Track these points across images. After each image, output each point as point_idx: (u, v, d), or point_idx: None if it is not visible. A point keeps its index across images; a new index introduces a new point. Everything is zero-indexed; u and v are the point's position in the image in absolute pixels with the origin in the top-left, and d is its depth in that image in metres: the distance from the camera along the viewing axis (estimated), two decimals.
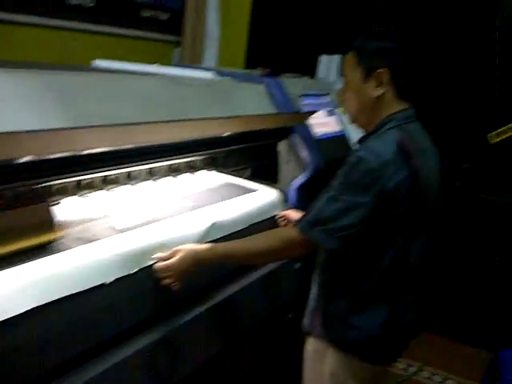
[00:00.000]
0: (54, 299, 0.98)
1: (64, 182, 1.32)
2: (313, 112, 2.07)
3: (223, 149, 1.83)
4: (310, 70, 2.86)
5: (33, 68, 1.40)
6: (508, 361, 2.15)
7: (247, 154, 2.06)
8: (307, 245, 1.20)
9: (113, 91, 1.40)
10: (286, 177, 2.15)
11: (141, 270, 1.17)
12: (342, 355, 1.29)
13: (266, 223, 1.62)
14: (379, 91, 1.24)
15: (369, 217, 1.15)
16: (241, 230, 1.50)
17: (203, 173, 1.84)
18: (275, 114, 2.03)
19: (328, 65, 2.86)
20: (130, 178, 1.54)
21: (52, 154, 1.07)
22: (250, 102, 1.98)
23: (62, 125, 1.11)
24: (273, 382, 1.83)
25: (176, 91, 1.64)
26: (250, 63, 3.26)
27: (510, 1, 2.66)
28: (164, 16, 3.13)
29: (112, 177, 1.47)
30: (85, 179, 1.38)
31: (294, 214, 1.62)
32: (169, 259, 1.21)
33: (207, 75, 1.98)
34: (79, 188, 1.38)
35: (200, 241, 1.34)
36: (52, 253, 1.08)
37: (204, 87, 1.80)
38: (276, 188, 1.82)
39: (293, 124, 2.03)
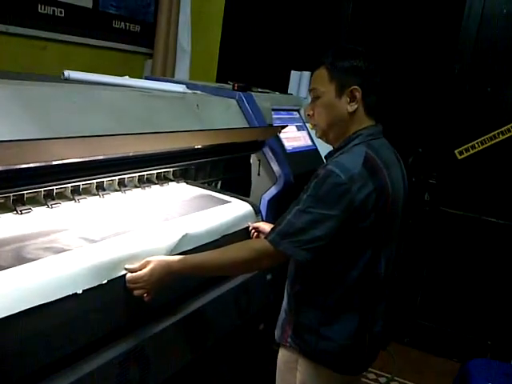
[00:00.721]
0: (23, 309, 0.96)
1: (33, 192, 1.30)
2: (284, 126, 2.11)
3: (194, 161, 1.83)
4: (281, 86, 2.91)
5: (2, 78, 1.38)
6: (476, 370, 2.16)
7: (219, 166, 2.08)
8: (278, 256, 1.21)
9: (83, 103, 1.39)
10: (257, 189, 2.18)
11: (112, 280, 1.16)
12: (313, 366, 1.30)
13: (237, 235, 1.62)
14: (353, 107, 1.28)
15: (337, 229, 1.18)
16: (212, 241, 1.50)
17: (173, 185, 1.83)
18: (246, 127, 2.05)
19: (298, 81, 2.91)
20: (99, 189, 1.53)
21: (20, 164, 1.06)
22: (222, 116, 1.99)
23: (30, 136, 1.10)
24: None
25: (147, 103, 1.64)
26: (222, 77, 3.29)
27: (472, 24, 2.79)
28: (136, 28, 3.14)
29: (81, 188, 1.45)
30: (54, 190, 1.36)
31: (266, 226, 1.64)
32: (140, 270, 1.20)
33: (179, 88, 1.98)
34: (49, 198, 1.36)
35: (171, 252, 1.33)
36: (22, 262, 1.06)
37: (175, 100, 1.81)
38: (247, 200, 1.83)
39: (264, 138, 2.06)
